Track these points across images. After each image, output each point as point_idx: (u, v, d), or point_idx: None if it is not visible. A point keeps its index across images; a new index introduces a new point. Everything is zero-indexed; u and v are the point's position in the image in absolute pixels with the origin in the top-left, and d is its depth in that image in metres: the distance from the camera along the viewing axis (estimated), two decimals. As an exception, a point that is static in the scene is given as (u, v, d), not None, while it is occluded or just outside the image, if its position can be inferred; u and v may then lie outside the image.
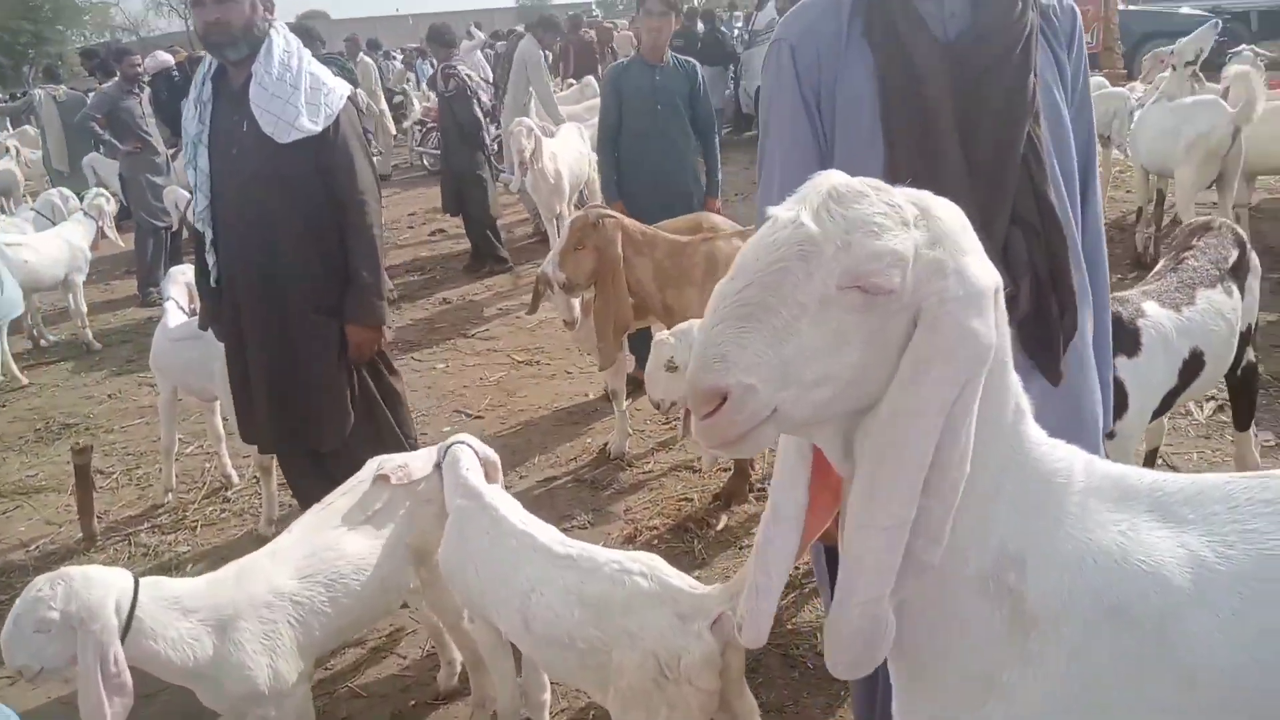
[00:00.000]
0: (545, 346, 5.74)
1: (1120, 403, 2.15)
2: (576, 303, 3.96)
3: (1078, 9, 1.59)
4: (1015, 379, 1.05)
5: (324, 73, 2.86)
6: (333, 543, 2.23)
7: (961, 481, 0.94)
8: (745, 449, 0.95)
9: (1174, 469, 3.51)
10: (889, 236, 0.89)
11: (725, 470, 3.83)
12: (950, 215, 0.95)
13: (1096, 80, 7.64)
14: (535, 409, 4.80)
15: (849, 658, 0.97)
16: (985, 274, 0.95)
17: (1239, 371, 2.64)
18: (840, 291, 0.89)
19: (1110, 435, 2.16)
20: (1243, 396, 2.74)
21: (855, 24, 1.47)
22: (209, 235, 2.92)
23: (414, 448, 2.79)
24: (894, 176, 1.02)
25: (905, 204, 0.92)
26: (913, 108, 1.41)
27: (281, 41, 2.76)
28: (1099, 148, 5.83)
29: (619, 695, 1.77)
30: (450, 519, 2.24)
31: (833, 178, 0.95)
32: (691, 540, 3.37)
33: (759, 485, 3.69)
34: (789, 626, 2.82)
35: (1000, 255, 1.39)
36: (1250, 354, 2.68)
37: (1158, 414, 2.39)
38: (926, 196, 0.95)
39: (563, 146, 6.79)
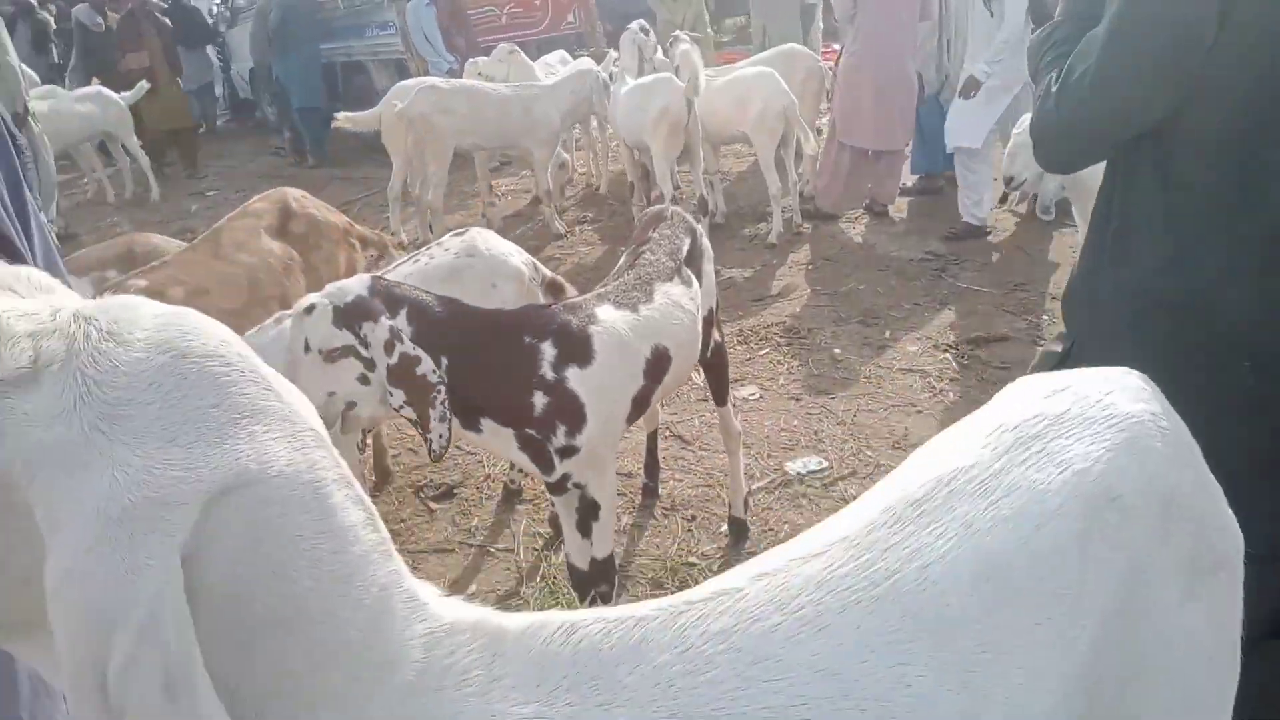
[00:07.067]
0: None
1: (579, 417, 2.04)
2: None
3: None
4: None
5: None
6: None
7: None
8: None
9: (682, 438, 3.64)
10: None
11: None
12: None
13: (561, 54, 8.22)
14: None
15: None
16: None
17: (709, 354, 2.69)
18: None
19: (575, 451, 2.03)
20: (715, 375, 2.82)
21: None
22: None
23: None
24: None
25: None
26: None
27: None
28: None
29: None
30: None
31: None
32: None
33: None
34: None
35: None
36: (716, 335, 2.75)
37: (636, 416, 2.31)
38: None
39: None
